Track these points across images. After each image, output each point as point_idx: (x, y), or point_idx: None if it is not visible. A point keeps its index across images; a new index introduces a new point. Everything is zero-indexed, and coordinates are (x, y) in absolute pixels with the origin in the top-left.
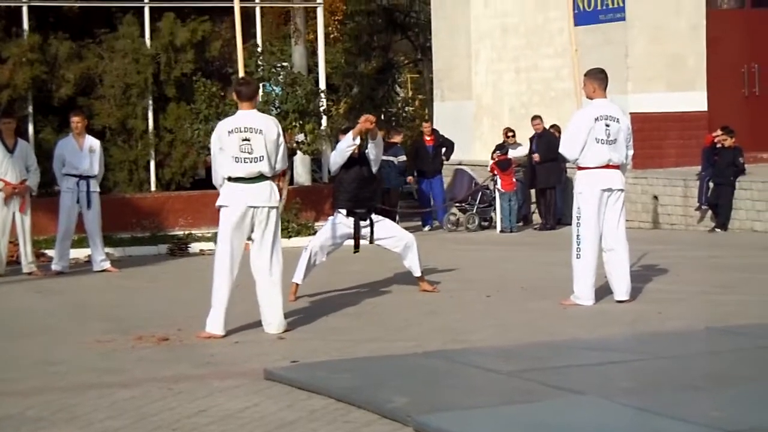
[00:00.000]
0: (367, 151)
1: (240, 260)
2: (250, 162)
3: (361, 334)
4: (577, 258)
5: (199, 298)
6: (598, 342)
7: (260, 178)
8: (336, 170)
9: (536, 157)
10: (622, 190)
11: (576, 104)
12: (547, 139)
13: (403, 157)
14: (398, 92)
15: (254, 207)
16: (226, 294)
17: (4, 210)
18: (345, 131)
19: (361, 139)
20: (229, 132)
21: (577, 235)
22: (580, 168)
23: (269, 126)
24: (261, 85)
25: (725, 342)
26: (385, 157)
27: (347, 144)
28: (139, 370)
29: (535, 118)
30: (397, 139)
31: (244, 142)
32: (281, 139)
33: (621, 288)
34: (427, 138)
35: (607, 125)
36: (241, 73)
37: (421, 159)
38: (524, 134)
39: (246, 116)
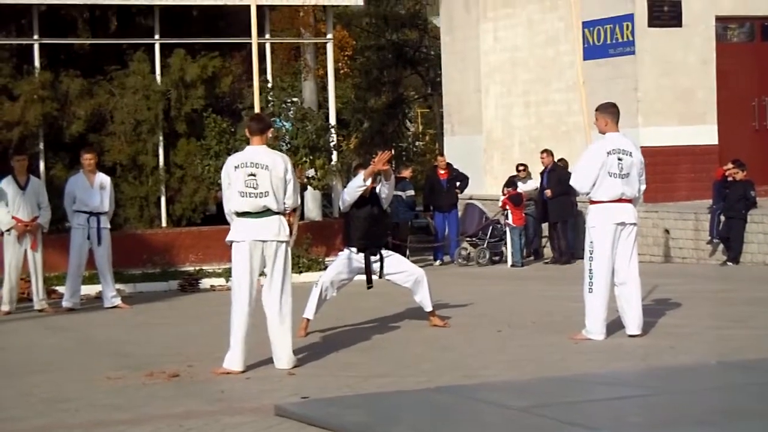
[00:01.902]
0: (378, 189)
1: (255, 296)
2: (255, 197)
3: (372, 370)
4: (590, 292)
5: (210, 333)
6: (610, 377)
7: (267, 212)
8: (346, 208)
9: (548, 192)
10: (635, 224)
11: (585, 137)
12: (558, 174)
13: (411, 192)
14: (408, 127)
15: (262, 241)
16: (242, 330)
17: (15, 247)
18: (357, 168)
19: (374, 179)
20: (235, 167)
21: (590, 269)
22: (592, 202)
23: (276, 162)
24: (271, 120)
25: (737, 376)
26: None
27: (357, 185)
28: (150, 406)
29: (543, 152)
30: (406, 173)
31: (249, 177)
32: (290, 175)
33: (633, 322)
34: (442, 172)
35: (620, 159)
36: (257, 109)
37: (436, 193)
38: (536, 168)
39: (254, 152)
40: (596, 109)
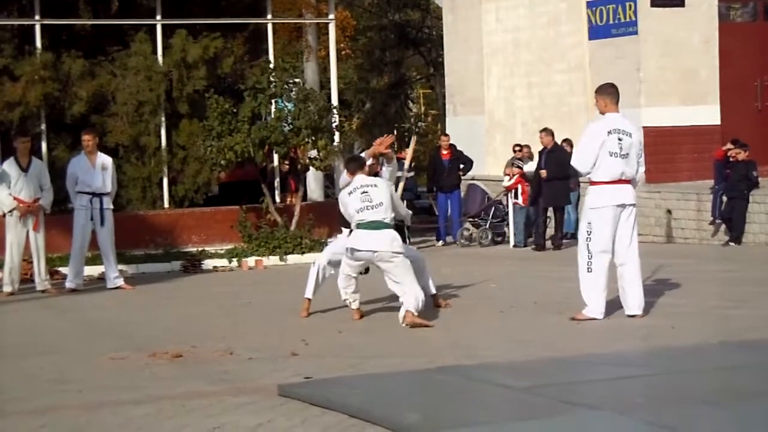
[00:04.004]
0: (381, 172)
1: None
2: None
3: (374, 350)
4: (589, 272)
5: (213, 314)
6: (612, 357)
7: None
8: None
9: (543, 173)
10: (634, 205)
11: (587, 117)
12: (557, 155)
13: (409, 173)
14: (411, 107)
15: None
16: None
17: (18, 228)
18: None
19: (376, 162)
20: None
21: (588, 250)
22: (592, 183)
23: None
24: (273, 101)
25: (740, 356)
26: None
27: None
28: (153, 387)
29: (542, 131)
30: (403, 155)
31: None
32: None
33: (633, 302)
34: (444, 152)
35: (620, 139)
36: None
37: (438, 173)
38: (537, 149)
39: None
40: (596, 91)
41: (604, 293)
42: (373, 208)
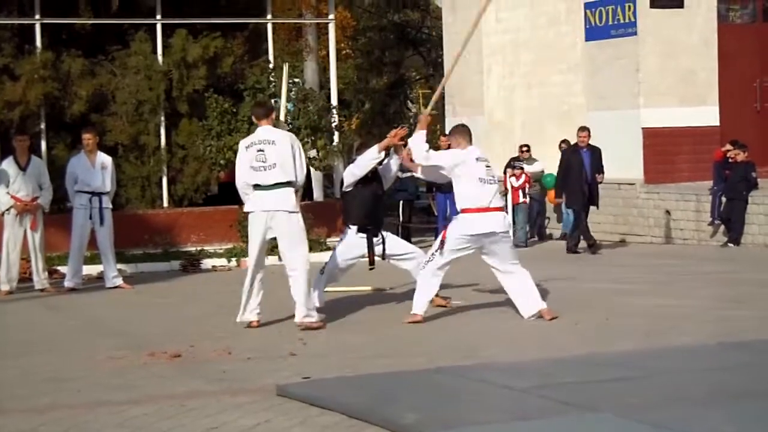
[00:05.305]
0: (386, 162)
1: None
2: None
3: (373, 350)
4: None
5: (212, 314)
6: (611, 357)
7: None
8: (350, 185)
9: (600, 177)
10: None
11: (586, 117)
12: (599, 154)
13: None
14: (410, 108)
15: None
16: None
17: (15, 226)
18: (359, 147)
19: (386, 154)
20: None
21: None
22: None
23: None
24: (273, 101)
25: (738, 357)
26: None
27: (371, 157)
28: (151, 386)
29: (582, 129)
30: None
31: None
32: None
33: None
34: None
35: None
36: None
37: None
38: (536, 150)
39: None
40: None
41: None
42: (266, 169)
